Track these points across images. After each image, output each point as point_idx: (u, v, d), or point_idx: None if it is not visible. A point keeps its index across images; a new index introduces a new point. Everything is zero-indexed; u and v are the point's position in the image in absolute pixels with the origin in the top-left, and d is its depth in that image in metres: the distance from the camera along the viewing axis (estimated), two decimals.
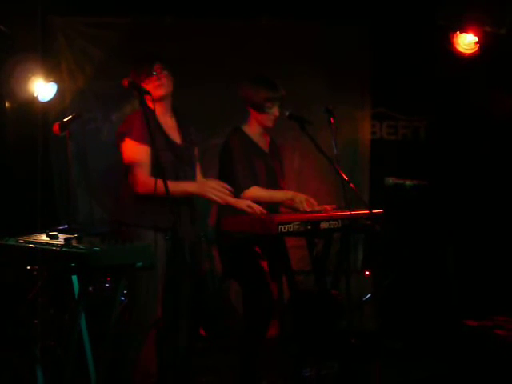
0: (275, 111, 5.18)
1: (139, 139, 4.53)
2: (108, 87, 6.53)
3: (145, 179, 4.50)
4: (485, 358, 5.05)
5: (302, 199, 5.04)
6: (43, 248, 3.76)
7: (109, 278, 5.71)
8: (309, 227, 4.71)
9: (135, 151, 4.54)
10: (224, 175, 5.11)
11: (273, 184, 5.27)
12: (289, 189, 5.50)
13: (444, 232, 6.78)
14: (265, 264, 5.04)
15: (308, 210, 5.00)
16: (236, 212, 4.89)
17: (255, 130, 5.27)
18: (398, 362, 5.84)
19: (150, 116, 4.32)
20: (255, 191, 5.05)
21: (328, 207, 5.15)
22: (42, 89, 6.06)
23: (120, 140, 4.62)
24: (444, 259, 6.65)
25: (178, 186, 4.51)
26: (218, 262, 5.73)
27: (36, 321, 4.70)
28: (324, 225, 4.81)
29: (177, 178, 4.61)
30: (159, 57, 4.76)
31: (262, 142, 5.32)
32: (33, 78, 6.04)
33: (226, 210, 5.01)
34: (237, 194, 5.01)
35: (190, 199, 4.73)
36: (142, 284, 4.53)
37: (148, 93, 4.39)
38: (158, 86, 4.63)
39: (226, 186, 4.66)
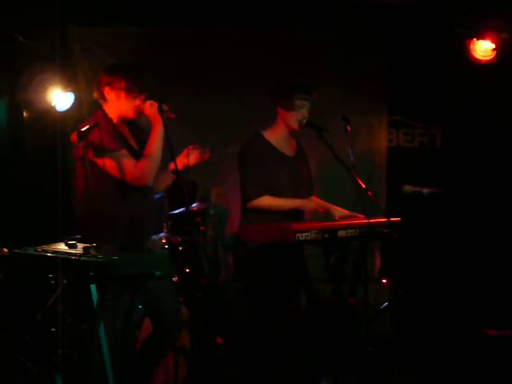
0: (304, 112, 5.14)
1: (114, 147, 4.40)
2: None
3: (133, 167, 4.38)
4: (504, 368, 5.02)
5: (311, 207, 5.02)
6: (62, 257, 3.77)
7: None
8: (326, 235, 4.71)
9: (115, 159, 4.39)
10: (239, 183, 5.13)
11: (298, 189, 5.26)
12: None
13: (462, 239, 6.76)
14: (278, 275, 5.01)
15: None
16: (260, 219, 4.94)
17: (280, 135, 5.23)
18: (415, 371, 5.82)
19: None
20: (264, 201, 5.04)
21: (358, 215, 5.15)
22: (60, 98, 6.09)
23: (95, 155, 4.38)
24: (462, 267, 6.63)
25: None
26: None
27: (54, 329, 4.72)
28: (342, 233, 4.80)
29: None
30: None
31: (286, 147, 5.28)
32: (51, 87, 6.07)
33: (250, 218, 5.03)
34: (245, 203, 5.03)
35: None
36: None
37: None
38: (135, 107, 4.49)
39: None
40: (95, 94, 4.58)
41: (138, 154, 4.46)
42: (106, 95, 4.50)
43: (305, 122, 5.11)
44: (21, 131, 6.79)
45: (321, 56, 7.07)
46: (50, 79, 6.09)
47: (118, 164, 4.34)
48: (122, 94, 4.45)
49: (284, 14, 6.71)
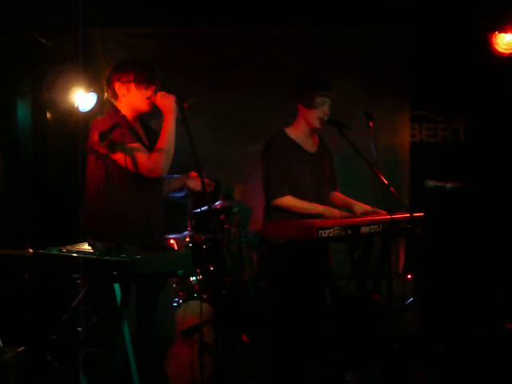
0: (325, 109, 5.11)
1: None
2: None
3: (147, 160, 4.37)
4: None
5: (332, 215, 4.97)
6: (85, 257, 3.79)
7: None
8: (349, 232, 4.68)
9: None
10: (262, 181, 5.13)
11: (321, 186, 5.26)
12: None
13: (486, 234, 6.73)
14: (301, 271, 5.01)
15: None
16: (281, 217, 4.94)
17: (301, 132, 5.21)
18: (440, 366, 5.80)
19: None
20: (286, 201, 5.02)
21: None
22: (83, 99, 6.12)
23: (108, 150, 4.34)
24: (486, 262, 6.59)
25: None
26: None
27: (79, 328, 4.75)
28: (364, 229, 4.78)
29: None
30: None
31: (309, 144, 5.26)
32: (73, 88, 6.11)
33: (272, 216, 5.03)
34: (268, 201, 5.03)
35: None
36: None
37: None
38: (147, 98, 4.46)
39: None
40: (106, 94, 4.55)
41: (150, 149, 4.44)
42: (117, 90, 4.47)
43: (326, 119, 5.10)
44: (44, 132, 6.85)
45: (342, 53, 7.08)
46: (73, 80, 6.13)
47: (131, 157, 4.32)
48: (132, 86, 4.44)
49: (305, 12, 6.72)
